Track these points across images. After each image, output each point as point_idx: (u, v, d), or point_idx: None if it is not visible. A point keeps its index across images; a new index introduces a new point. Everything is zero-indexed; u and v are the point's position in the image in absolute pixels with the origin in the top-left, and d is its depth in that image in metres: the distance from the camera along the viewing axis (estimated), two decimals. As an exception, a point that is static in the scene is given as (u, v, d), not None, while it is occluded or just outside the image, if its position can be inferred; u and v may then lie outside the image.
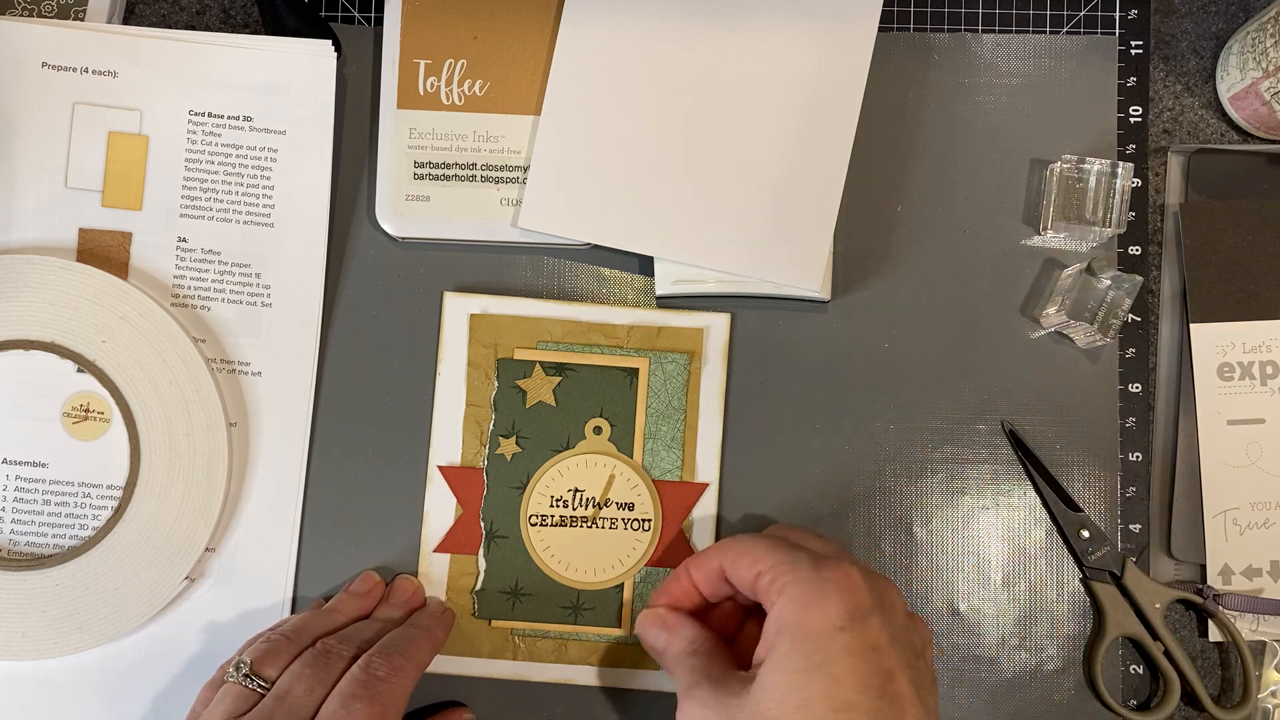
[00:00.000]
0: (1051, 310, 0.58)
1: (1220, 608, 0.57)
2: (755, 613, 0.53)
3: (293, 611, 0.59)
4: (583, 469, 0.59)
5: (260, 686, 0.50)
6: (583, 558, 0.58)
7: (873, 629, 0.47)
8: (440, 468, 0.59)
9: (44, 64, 0.59)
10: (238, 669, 0.51)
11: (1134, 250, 0.60)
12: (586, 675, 0.58)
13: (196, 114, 0.60)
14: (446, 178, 0.59)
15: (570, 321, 0.59)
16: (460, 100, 0.60)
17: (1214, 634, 0.58)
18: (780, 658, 0.47)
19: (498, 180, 0.59)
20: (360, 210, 0.61)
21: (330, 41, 0.59)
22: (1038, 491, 0.59)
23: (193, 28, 0.62)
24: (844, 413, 0.60)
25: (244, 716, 0.49)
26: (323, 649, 0.52)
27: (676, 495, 0.59)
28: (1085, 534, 0.58)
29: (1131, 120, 0.60)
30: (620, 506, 0.59)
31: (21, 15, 0.60)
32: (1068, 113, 0.60)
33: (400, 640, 0.53)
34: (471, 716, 0.58)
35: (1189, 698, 0.58)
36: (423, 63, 0.60)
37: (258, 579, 0.59)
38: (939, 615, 0.59)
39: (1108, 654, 0.58)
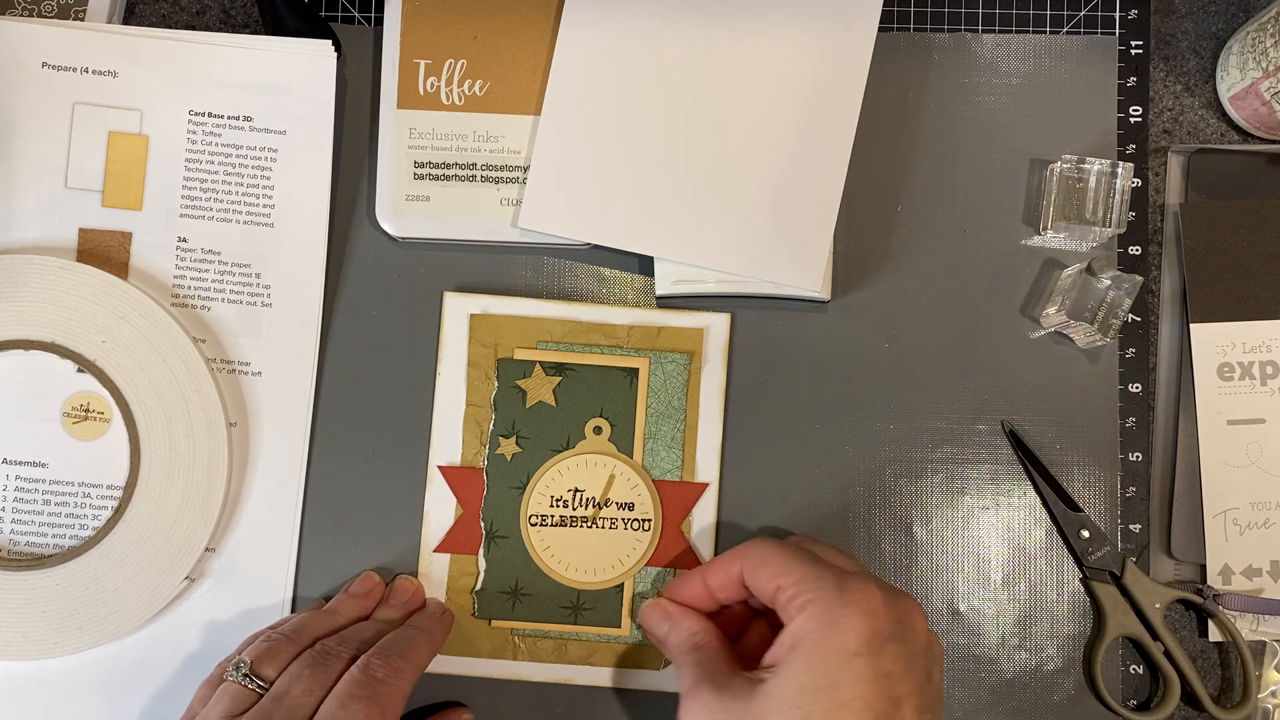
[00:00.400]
0: (1051, 310, 0.58)
1: (1220, 608, 0.57)
2: (762, 613, 0.53)
3: (293, 611, 0.59)
4: (583, 469, 0.59)
5: (259, 686, 0.50)
6: (583, 558, 0.58)
7: (887, 657, 0.47)
8: (440, 468, 0.59)
9: (44, 64, 0.59)
10: (237, 668, 0.51)
11: (1134, 250, 0.60)
12: (586, 675, 0.58)
13: (196, 114, 0.60)
14: (446, 178, 0.59)
15: (570, 321, 0.59)
16: (460, 100, 0.60)
17: (1214, 634, 0.58)
18: (791, 673, 0.47)
19: (498, 180, 0.59)
20: (360, 210, 0.61)
21: (330, 41, 0.59)
22: (1038, 491, 0.59)
23: (193, 28, 0.62)
24: (844, 413, 0.60)
25: (242, 716, 0.49)
26: (322, 650, 0.52)
27: (676, 495, 0.59)
28: (1085, 534, 0.58)
29: (1131, 120, 0.61)
30: (620, 506, 0.59)
31: (21, 15, 0.60)
32: (1068, 113, 0.60)
33: (399, 641, 0.53)
34: (471, 717, 0.58)
35: (1189, 698, 0.58)
36: (423, 63, 0.60)
37: (258, 579, 0.59)
38: (939, 615, 0.59)
39: (1108, 654, 0.58)
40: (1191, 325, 0.59)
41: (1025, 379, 0.60)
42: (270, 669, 0.51)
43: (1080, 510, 0.59)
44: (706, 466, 0.59)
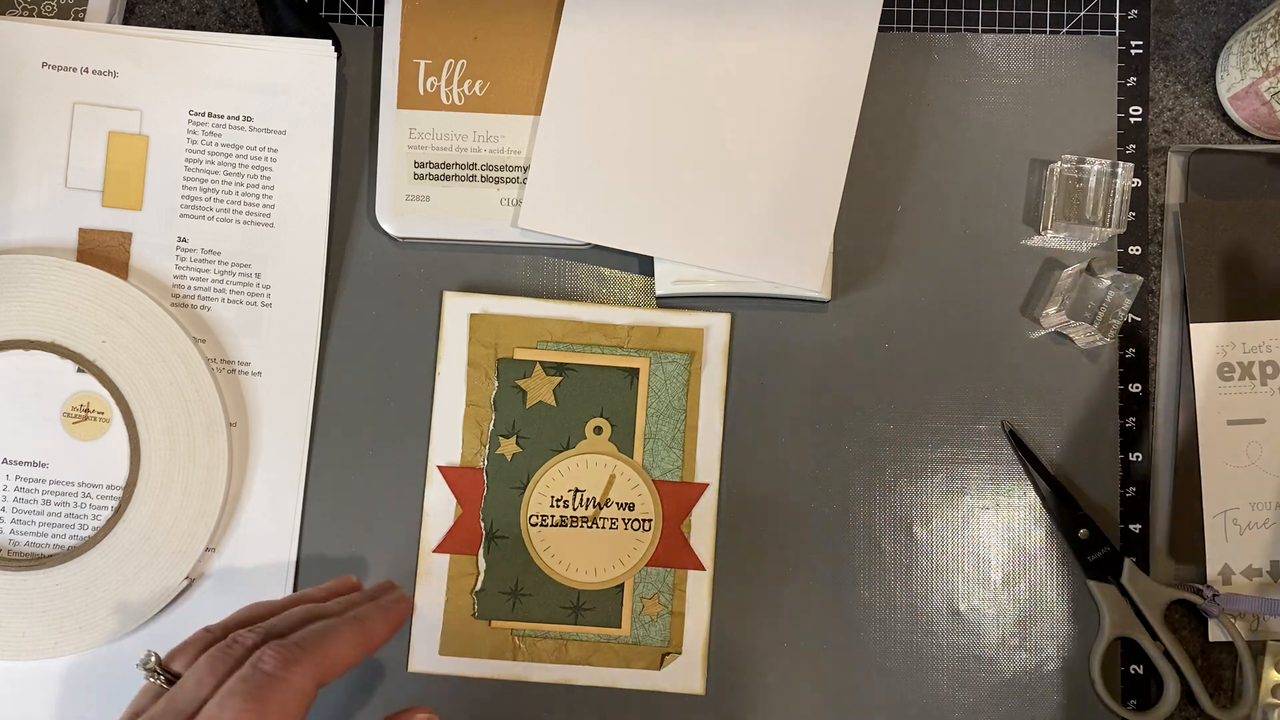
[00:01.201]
0: (1051, 310, 0.58)
1: (1220, 608, 0.57)
2: None
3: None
4: (583, 469, 0.59)
5: (166, 682, 0.46)
6: (583, 558, 0.58)
7: None
8: (440, 468, 0.59)
9: (44, 64, 0.59)
10: (144, 663, 0.47)
11: (1134, 250, 0.60)
12: (586, 675, 0.58)
13: (196, 114, 0.60)
14: (446, 178, 0.59)
15: (570, 321, 0.59)
16: (460, 100, 0.60)
17: (1214, 634, 0.58)
18: None
19: (498, 180, 0.59)
20: (360, 210, 0.61)
21: (330, 41, 0.59)
22: (1038, 491, 0.59)
23: (193, 28, 0.62)
24: (844, 413, 0.60)
25: (141, 716, 0.44)
26: (229, 641, 0.46)
27: (676, 495, 0.59)
28: (1085, 534, 0.58)
29: (1131, 120, 0.60)
30: (620, 506, 0.59)
31: (21, 15, 0.60)
32: (1068, 113, 0.60)
33: (311, 632, 0.46)
34: (429, 715, 0.50)
35: (1189, 698, 0.58)
36: (423, 63, 0.60)
37: (258, 579, 0.59)
38: (939, 615, 0.59)
39: (1108, 654, 0.58)
40: (1191, 325, 0.59)
41: (1025, 379, 0.59)
42: (179, 663, 0.46)
43: (1080, 510, 0.59)
44: (706, 466, 0.59)
